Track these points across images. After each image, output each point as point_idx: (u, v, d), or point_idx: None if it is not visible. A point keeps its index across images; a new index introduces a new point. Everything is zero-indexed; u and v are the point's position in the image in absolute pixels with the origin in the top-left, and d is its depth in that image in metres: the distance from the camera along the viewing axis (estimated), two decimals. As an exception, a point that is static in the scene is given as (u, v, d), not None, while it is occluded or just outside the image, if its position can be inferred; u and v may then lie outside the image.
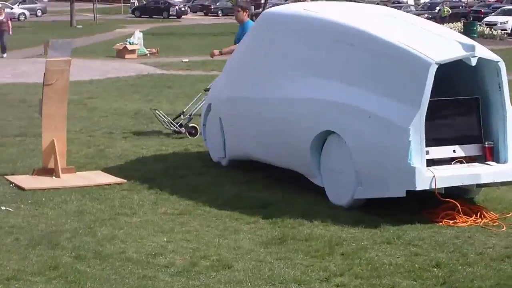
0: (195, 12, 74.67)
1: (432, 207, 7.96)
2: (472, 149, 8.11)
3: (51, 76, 9.53)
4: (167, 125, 12.32)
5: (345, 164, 8.24)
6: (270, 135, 9.28)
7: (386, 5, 33.41)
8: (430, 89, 7.63)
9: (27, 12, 64.78)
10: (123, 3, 74.85)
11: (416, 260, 6.73)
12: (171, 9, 68.32)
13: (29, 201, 8.40)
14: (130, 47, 29.06)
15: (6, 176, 9.47)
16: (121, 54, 28.89)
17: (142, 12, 68.48)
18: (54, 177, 9.44)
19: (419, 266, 6.58)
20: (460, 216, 7.83)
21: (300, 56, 9.05)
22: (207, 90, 11.71)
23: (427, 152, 7.81)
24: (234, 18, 15.10)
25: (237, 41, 11.37)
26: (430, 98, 7.76)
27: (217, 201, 8.54)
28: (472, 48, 7.79)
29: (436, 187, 7.66)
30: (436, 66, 7.64)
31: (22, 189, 8.91)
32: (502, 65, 7.97)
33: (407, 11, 43.26)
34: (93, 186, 9.11)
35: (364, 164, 8.05)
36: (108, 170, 9.97)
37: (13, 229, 7.41)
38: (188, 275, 6.28)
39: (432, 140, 7.89)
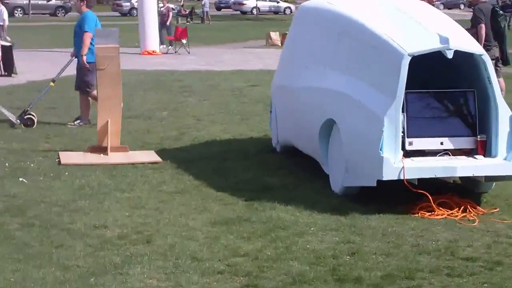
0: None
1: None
2: (463, 142, 8.06)
3: (102, 61, 10.55)
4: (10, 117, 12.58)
5: (340, 152, 8.47)
6: (298, 123, 9.73)
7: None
8: (405, 80, 7.71)
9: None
10: None
11: (337, 248, 6.81)
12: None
13: (51, 175, 9.34)
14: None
15: (60, 151, 10.71)
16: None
17: None
18: (102, 154, 10.52)
19: (333, 254, 6.68)
20: (439, 209, 7.84)
21: (314, 47, 9.54)
22: (54, 81, 12.65)
23: (411, 143, 7.92)
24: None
25: (75, 30, 12.59)
26: (423, 89, 8.00)
27: (223, 183, 8.99)
28: (446, 41, 7.75)
29: (405, 178, 7.72)
30: (409, 58, 7.71)
31: (59, 163, 10.09)
32: (487, 58, 7.90)
33: None
34: (127, 164, 10.05)
35: (350, 153, 8.22)
36: (165, 151, 10.83)
37: (2, 198, 8.37)
38: (101, 246, 6.81)
39: (419, 131, 7.98)
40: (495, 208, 7.99)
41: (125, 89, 16.52)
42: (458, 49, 7.80)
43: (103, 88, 10.49)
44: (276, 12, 70.82)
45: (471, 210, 7.84)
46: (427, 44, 7.88)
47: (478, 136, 8.01)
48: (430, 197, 7.79)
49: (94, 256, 6.60)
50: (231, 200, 8.36)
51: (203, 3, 54.71)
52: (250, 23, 55.13)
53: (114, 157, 10.24)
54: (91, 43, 12.24)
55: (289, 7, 71.89)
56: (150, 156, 10.39)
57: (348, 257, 6.62)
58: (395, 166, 7.71)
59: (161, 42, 29.82)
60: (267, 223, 7.57)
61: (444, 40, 7.79)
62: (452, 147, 8.04)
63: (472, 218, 7.67)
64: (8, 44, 19.92)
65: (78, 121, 12.59)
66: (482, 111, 8.05)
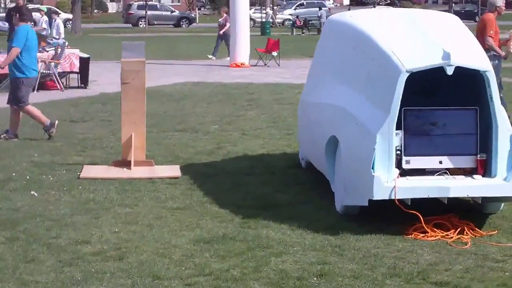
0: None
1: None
2: (463, 161, 7.88)
3: (127, 75, 10.75)
4: None
5: (340, 170, 8.41)
6: (311, 138, 9.75)
7: None
8: (400, 96, 7.57)
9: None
10: None
11: (309, 268, 6.75)
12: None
13: (64, 188, 9.52)
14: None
15: (85, 165, 10.93)
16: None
17: None
18: (125, 169, 10.69)
19: (300, 275, 6.61)
20: (433, 230, 7.66)
21: (333, 62, 9.50)
22: None
23: (408, 162, 7.77)
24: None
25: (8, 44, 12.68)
26: (423, 107, 7.90)
27: (230, 199, 9.00)
28: (447, 57, 7.55)
29: (396, 198, 7.56)
30: (407, 74, 7.57)
31: (78, 177, 10.30)
32: (491, 75, 7.67)
33: None
34: (146, 178, 10.18)
35: (347, 170, 8.14)
36: (191, 165, 10.93)
37: (4, 211, 8.62)
38: (71, 262, 6.89)
39: (417, 149, 7.85)
40: (494, 231, 7.77)
41: (190, 102, 17.01)
42: (459, 65, 7.60)
43: (128, 101, 10.66)
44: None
45: (468, 232, 7.66)
46: (428, 59, 7.71)
47: (478, 155, 7.77)
48: (421, 218, 7.62)
49: (58, 272, 6.72)
50: (229, 218, 8.36)
51: (319, 14, 54.75)
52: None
53: (136, 172, 10.38)
54: (19, 58, 12.45)
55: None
56: (172, 171, 10.49)
57: (315, 278, 6.57)
58: (387, 185, 7.56)
59: (214, 53, 30.03)
60: (251, 241, 7.55)
61: (446, 56, 7.60)
62: (451, 166, 7.85)
63: (465, 241, 7.43)
64: (86, 55, 20.49)
65: (5, 134, 12.73)
66: (484, 129, 7.77)
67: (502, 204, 8.21)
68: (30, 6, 28.27)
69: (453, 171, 7.88)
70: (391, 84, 7.62)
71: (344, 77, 8.86)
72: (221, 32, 30.65)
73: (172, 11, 68.96)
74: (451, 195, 7.62)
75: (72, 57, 20.46)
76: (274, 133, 13.41)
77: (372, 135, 7.63)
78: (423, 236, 7.57)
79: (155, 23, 64.87)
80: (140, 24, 64.58)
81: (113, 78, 22.40)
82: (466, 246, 7.33)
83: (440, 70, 7.65)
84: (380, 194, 7.55)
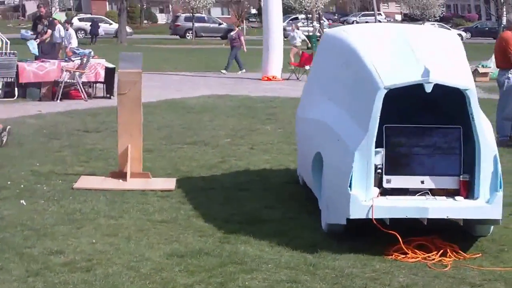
0: None
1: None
2: (445, 182, 7.73)
3: (124, 86, 10.75)
4: None
5: (324, 187, 8.32)
6: (302, 155, 9.67)
7: None
8: (379, 112, 7.45)
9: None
10: None
11: (274, 286, 6.70)
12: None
13: (55, 198, 9.53)
14: (481, 70, 28.92)
15: (82, 175, 10.95)
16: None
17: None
18: (120, 180, 10.67)
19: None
20: (414, 251, 7.51)
21: (324, 77, 9.38)
22: None
23: (388, 181, 7.65)
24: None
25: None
26: (406, 124, 7.79)
27: (218, 214, 8.93)
28: (427, 74, 7.41)
29: (373, 217, 7.43)
30: (385, 91, 7.45)
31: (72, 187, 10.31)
32: (471, 94, 7.53)
33: None
34: (139, 190, 10.15)
35: (329, 188, 8.06)
36: (189, 179, 10.89)
37: None
38: (37, 272, 6.86)
39: (398, 168, 7.72)
40: (478, 254, 7.60)
41: (209, 115, 17.00)
42: (438, 82, 7.46)
43: (124, 112, 10.65)
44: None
45: (450, 254, 7.50)
46: (408, 76, 7.56)
47: (461, 176, 7.58)
48: (400, 239, 7.45)
49: (21, 282, 6.71)
50: (210, 232, 8.29)
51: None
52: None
53: (131, 184, 10.37)
54: None
55: (460, 34, 70.38)
56: (167, 183, 10.46)
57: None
58: (364, 204, 7.43)
59: (226, 68, 29.96)
60: (225, 257, 7.47)
61: (425, 73, 7.44)
62: (433, 187, 7.70)
63: (446, 263, 7.25)
64: (112, 65, 20.62)
65: None
66: (469, 149, 7.60)
67: (492, 226, 7.99)
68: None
69: (436, 192, 7.71)
70: (370, 100, 7.48)
71: (332, 92, 8.77)
72: (233, 44, 30.72)
73: (219, 23, 69.33)
74: (430, 216, 7.45)
75: (97, 67, 20.61)
76: (283, 148, 13.31)
77: (351, 152, 7.50)
78: (403, 257, 7.43)
79: (203, 35, 65.22)
80: (187, 36, 65.01)
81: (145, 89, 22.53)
82: (445, 269, 7.18)
83: (435, 87, 7.49)
84: (357, 213, 7.43)
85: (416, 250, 7.53)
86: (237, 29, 31.59)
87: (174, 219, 8.84)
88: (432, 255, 7.47)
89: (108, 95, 20.83)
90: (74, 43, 23.59)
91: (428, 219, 7.59)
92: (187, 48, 49.10)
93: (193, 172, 11.32)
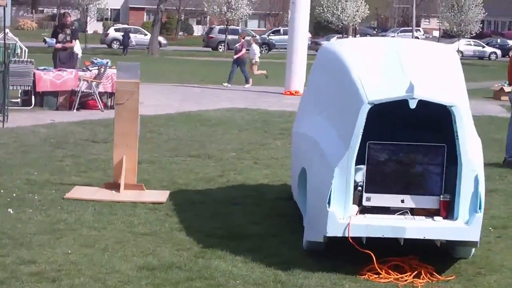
0: None
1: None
2: (426, 201, 7.67)
3: (121, 96, 10.82)
4: None
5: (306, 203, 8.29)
6: (293, 170, 9.56)
7: None
8: (361, 128, 7.40)
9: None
10: None
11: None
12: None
13: (43, 208, 9.59)
14: (507, 89, 28.62)
15: (76, 186, 11.01)
16: (497, 95, 28.69)
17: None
18: (113, 191, 10.71)
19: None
20: (388, 272, 7.47)
21: (317, 91, 9.34)
22: None
23: (368, 199, 7.60)
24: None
25: None
26: (389, 141, 7.76)
27: (201, 228, 8.94)
28: (411, 89, 7.33)
29: (349, 235, 7.37)
30: (369, 106, 7.39)
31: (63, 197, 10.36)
32: (457, 110, 7.41)
33: None
34: (130, 202, 10.17)
35: (310, 204, 8.03)
36: (183, 192, 10.90)
37: None
38: (3, 282, 6.93)
39: (379, 186, 7.67)
40: (452, 276, 7.52)
41: (222, 128, 17.01)
42: (422, 98, 7.37)
43: (121, 123, 10.69)
44: (481, 58, 68.90)
45: (424, 276, 7.43)
46: (393, 92, 7.48)
47: (441, 196, 7.51)
48: (374, 258, 7.38)
49: (-14, 291, 6.73)
50: (188, 246, 8.31)
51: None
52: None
53: (123, 195, 10.40)
54: None
55: (495, 53, 69.91)
56: (160, 196, 10.47)
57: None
58: (341, 222, 7.37)
59: (229, 81, 29.87)
60: (195, 272, 7.48)
61: (410, 88, 7.36)
62: (413, 206, 7.63)
63: (417, 284, 7.18)
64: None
65: None
66: (449, 169, 7.53)
67: (473, 249, 7.88)
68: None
69: (417, 211, 7.63)
70: (353, 115, 7.41)
71: (322, 106, 8.73)
72: (235, 57, 30.56)
73: (253, 36, 69.21)
74: (407, 236, 7.38)
75: (115, 77, 20.68)
76: (286, 164, 13.24)
77: (331, 168, 7.44)
78: (375, 277, 7.38)
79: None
80: (220, 48, 65.08)
81: (161, 100, 22.75)
82: (416, 292, 7.07)
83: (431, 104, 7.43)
84: (334, 230, 7.38)
85: (390, 271, 7.45)
86: (242, 40, 31.56)
87: (156, 232, 8.83)
88: (405, 276, 7.38)
89: (125, 106, 20.84)
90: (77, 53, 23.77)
91: (405, 239, 7.50)
92: (217, 60, 49.21)
93: (188, 185, 11.32)
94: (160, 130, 16.95)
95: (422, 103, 7.40)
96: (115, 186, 10.72)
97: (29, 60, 20.12)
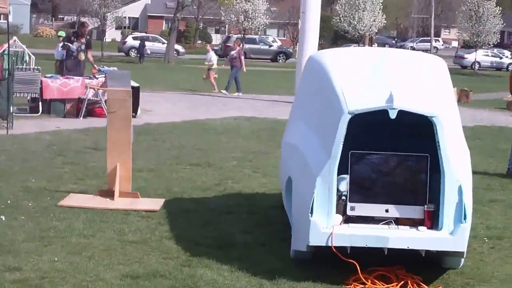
0: None
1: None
2: (410, 211, 7.66)
3: (113, 104, 10.86)
4: None
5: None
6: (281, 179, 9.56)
7: None
8: (342, 138, 7.40)
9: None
10: None
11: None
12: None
13: (36, 215, 9.65)
14: (519, 100, 28.57)
15: (71, 193, 11.04)
16: (510, 106, 28.59)
17: None
18: (108, 199, 10.73)
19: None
20: (374, 281, 7.46)
21: (303, 101, 9.35)
22: None
23: (353, 208, 7.59)
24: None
25: None
26: (373, 151, 7.76)
27: (191, 237, 8.94)
28: (391, 100, 7.33)
29: (333, 245, 7.35)
30: (349, 116, 7.40)
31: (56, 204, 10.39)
32: (438, 121, 7.38)
33: None
34: (123, 210, 10.19)
35: (295, 214, 8.03)
36: (178, 200, 10.92)
37: None
38: (-12, 288, 7.13)
39: (363, 195, 7.67)
40: (439, 286, 7.54)
41: (227, 137, 17.04)
42: (402, 108, 7.36)
43: (113, 131, 10.72)
44: (498, 69, 68.58)
45: (411, 286, 7.43)
46: (373, 102, 7.49)
47: (425, 206, 7.48)
48: (358, 268, 7.35)
49: (-32, 298, 6.75)
50: (176, 255, 8.31)
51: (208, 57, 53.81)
52: (463, 78, 52.96)
53: (117, 203, 10.42)
54: None
55: (512, 64, 69.58)
56: (154, 204, 10.49)
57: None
58: (324, 231, 7.35)
59: (238, 89, 29.78)
60: (180, 280, 7.50)
61: (390, 98, 7.35)
62: (397, 216, 7.60)
63: (405, 296, 7.17)
64: (136, 84, 20.77)
65: None
66: (435, 179, 7.49)
67: (462, 259, 7.83)
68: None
69: (401, 221, 7.59)
70: (334, 125, 7.42)
71: (307, 116, 8.74)
72: (233, 64, 30.51)
73: (270, 45, 69.32)
74: (390, 245, 7.35)
75: (121, 85, 20.72)
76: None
77: (313, 177, 7.44)
78: (361, 287, 7.30)
79: (252, 56, 65.11)
80: (237, 58, 65.04)
81: (170, 109, 22.79)
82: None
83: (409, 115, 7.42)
84: (316, 240, 7.37)
85: (376, 281, 7.42)
86: (238, 48, 31.46)
87: (145, 240, 8.84)
88: (392, 286, 7.35)
89: (133, 114, 20.88)
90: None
91: (389, 249, 7.46)
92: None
93: (184, 194, 11.33)
94: (163, 138, 16.98)
95: (408, 113, 7.37)
96: (109, 194, 10.75)
97: (36, 67, 20.24)
